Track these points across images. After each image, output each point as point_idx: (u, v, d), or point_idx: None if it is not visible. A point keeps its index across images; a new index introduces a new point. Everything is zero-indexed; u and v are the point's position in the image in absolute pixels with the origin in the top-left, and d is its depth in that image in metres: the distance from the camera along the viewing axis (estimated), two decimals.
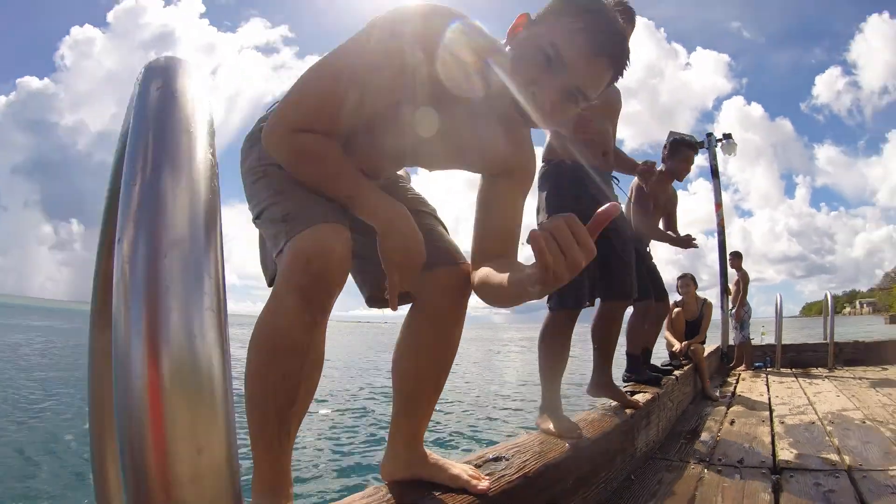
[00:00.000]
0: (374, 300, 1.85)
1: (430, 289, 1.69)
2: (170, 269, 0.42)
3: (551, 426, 2.50)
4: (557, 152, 3.10)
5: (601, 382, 3.25)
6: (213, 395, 0.42)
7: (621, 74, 1.48)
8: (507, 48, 1.50)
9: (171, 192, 0.45)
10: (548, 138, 3.17)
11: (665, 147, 5.04)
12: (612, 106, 3.44)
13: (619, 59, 1.42)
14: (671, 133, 5.03)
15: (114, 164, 0.83)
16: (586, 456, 2.35)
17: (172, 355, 0.40)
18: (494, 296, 1.47)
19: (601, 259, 3.15)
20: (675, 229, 5.29)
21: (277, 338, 1.36)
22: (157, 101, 0.53)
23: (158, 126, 0.50)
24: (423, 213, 1.81)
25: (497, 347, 43.22)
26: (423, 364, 1.75)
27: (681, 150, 4.95)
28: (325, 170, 1.46)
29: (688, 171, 5.01)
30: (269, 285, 1.50)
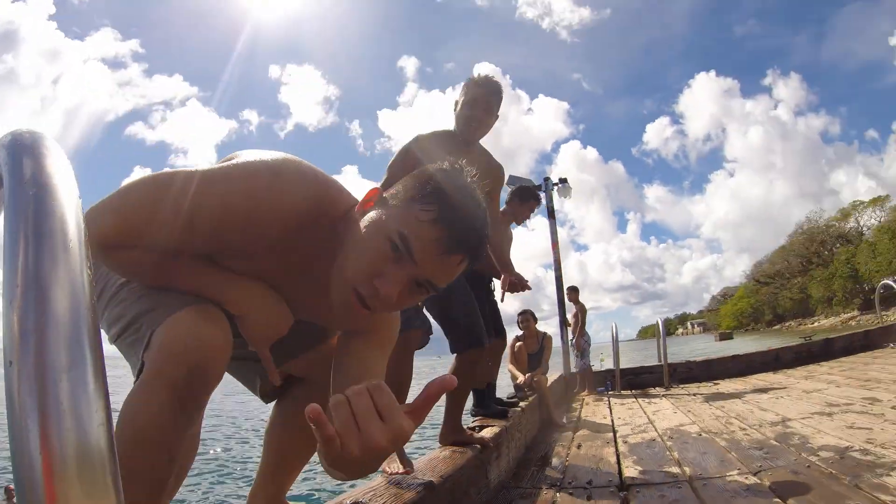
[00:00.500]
0: (267, 395, 1.76)
1: (312, 366, 1.68)
2: (63, 392, 0.44)
3: (397, 467, 2.49)
4: None
5: (453, 429, 3.24)
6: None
7: (477, 261, 1.30)
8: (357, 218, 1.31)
9: (58, 316, 0.47)
10: None
11: (515, 191, 5.35)
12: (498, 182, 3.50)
13: (474, 251, 1.26)
14: (511, 177, 5.29)
15: None
16: (441, 493, 2.34)
17: (72, 472, 0.43)
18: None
19: (443, 313, 3.19)
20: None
21: (145, 436, 1.14)
22: (34, 213, 0.53)
23: (38, 243, 0.51)
24: None
25: None
26: (302, 434, 1.70)
27: (529, 199, 5.29)
28: (159, 277, 1.32)
29: (528, 217, 5.35)
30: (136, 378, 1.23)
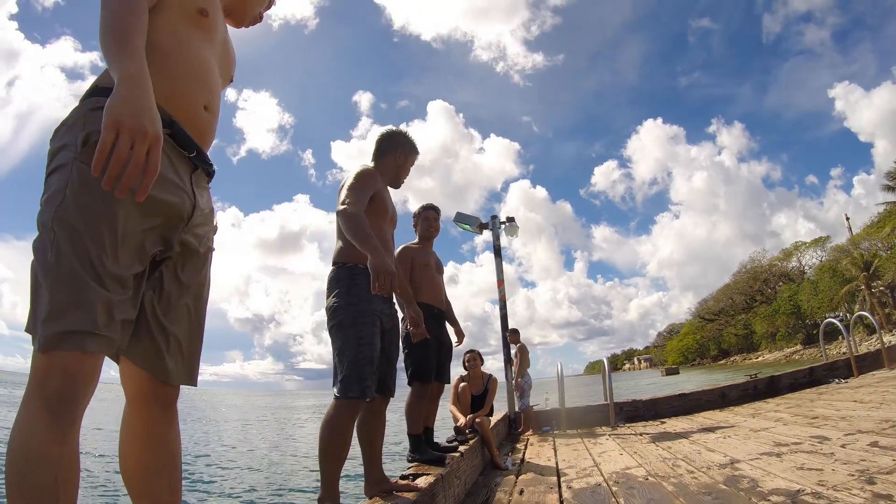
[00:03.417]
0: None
1: (135, 389, 1.69)
2: None
3: None
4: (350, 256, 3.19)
5: (377, 479, 3.09)
6: None
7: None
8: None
9: None
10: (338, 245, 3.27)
11: (415, 216, 5.53)
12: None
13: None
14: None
15: None
16: None
17: None
18: None
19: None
20: (443, 294, 5.36)
21: (28, 452, 1.32)
22: None
23: None
24: (185, 306, 1.77)
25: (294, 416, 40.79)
26: (149, 459, 1.69)
27: (424, 213, 5.44)
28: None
29: (432, 228, 5.42)
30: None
